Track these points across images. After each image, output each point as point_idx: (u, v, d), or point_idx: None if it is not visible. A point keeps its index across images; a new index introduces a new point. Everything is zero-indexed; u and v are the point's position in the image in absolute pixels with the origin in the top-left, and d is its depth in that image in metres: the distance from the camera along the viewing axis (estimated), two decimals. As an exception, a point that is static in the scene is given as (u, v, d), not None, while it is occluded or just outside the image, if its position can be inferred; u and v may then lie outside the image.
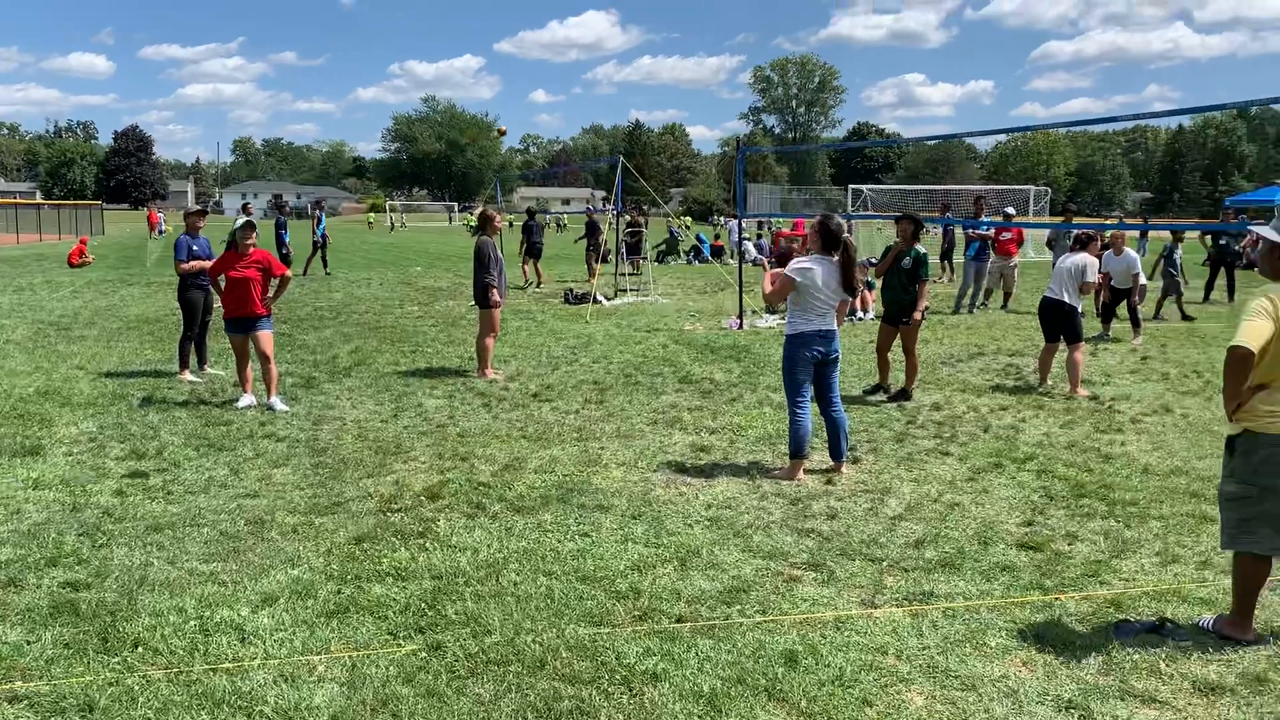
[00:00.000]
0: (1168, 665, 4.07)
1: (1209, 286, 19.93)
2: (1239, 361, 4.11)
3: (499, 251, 10.72)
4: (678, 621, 4.46)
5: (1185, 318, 16.13)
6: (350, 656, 4.11)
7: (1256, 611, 4.39)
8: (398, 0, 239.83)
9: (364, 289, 21.02)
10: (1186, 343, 13.65)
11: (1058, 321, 10.02)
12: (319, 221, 24.61)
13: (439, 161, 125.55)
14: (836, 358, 6.99)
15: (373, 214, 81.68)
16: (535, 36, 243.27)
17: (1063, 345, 10.04)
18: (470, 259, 10.94)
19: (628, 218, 23.60)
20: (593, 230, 23.30)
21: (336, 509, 6.07)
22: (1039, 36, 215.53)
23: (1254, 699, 3.81)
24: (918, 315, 9.50)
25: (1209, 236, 21.12)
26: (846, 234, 7.06)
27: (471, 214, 76.27)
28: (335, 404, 9.15)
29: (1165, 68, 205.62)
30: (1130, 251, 14.10)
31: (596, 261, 19.97)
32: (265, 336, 8.97)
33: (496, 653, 4.13)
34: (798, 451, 6.83)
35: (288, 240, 22.55)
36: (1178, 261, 16.68)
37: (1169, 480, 6.80)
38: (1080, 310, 10.05)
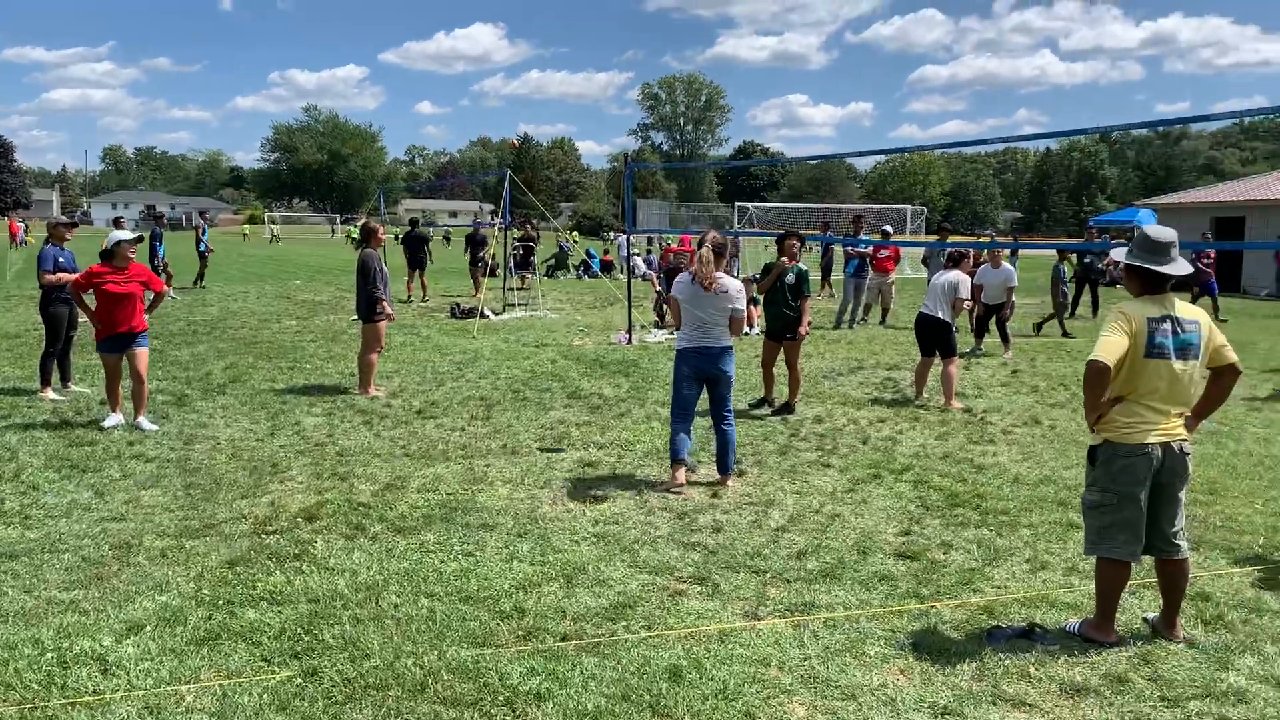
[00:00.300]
0: (1037, 669, 4.21)
1: (1074, 302, 20.81)
2: (1096, 375, 4.30)
3: (384, 265, 10.51)
4: (562, 640, 4.42)
5: (1065, 334, 16.83)
6: (221, 685, 3.95)
7: (1118, 615, 4.59)
8: (279, 7, 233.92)
9: (240, 303, 20.37)
10: (1055, 356, 14.25)
11: (933, 336, 10.34)
12: (202, 232, 23.79)
13: (320, 172, 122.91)
14: (721, 375, 7.07)
15: (248, 226, 79.06)
16: (421, 48, 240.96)
17: (938, 359, 10.36)
18: (353, 272, 10.70)
19: (520, 232, 23.48)
20: (477, 244, 23.10)
21: (208, 531, 5.84)
22: (916, 60, 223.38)
23: (1115, 699, 3.97)
24: (804, 330, 9.68)
25: (1074, 255, 22.11)
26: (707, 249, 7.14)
27: (354, 226, 74.80)
28: (208, 422, 8.83)
29: (1034, 93, 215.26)
30: (1007, 265, 14.51)
31: (483, 275, 19.79)
32: (143, 354, 8.61)
33: (375, 677, 4.03)
34: (673, 458, 7.04)
35: (162, 254, 21.68)
36: (1065, 278, 17.40)
37: (1038, 489, 7.07)
38: (954, 326, 10.38)
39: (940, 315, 10.27)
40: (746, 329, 16.25)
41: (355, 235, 66.98)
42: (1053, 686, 4.07)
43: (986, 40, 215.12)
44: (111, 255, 8.52)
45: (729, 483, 7.03)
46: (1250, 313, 20.64)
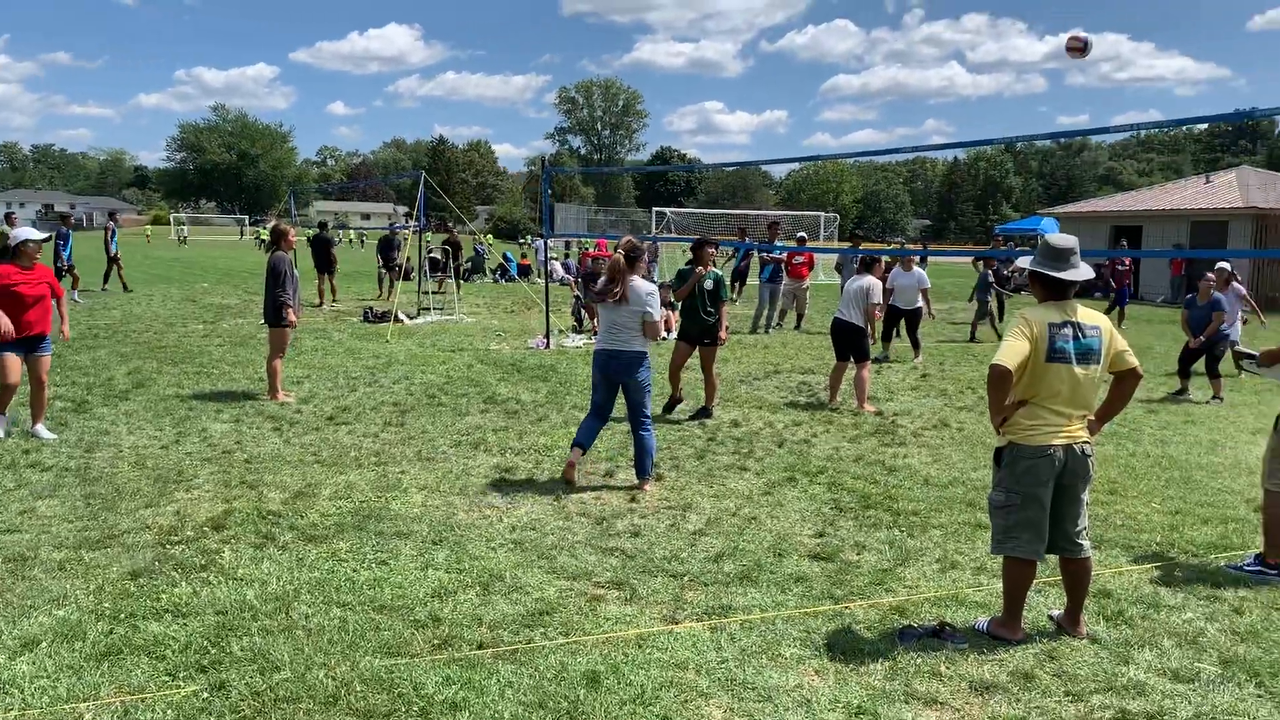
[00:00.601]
0: (947, 667, 4.31)
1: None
2: (998, 378, 4.42)
3: (294, 268, 10.29)
4: (479, 648, 4.38)
5: (972, 339, 17.27)
6: (123, 701, 3.82)
7: (1025, 612, 4.71)
8: (185, 3, 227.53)
9: (144, 306, 19.75)
10: (962, 361, 14.61)
11: (847, 341, 10.52)
12: (112, 234, 22.98)
13: (229, 173, 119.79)
14: (631, 382, 7.09)
15: (150, 227, 76.47)
16: (334, 47, 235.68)
17: (851, 364, 10.54)
18: (262, 275, 10.45)
19: (443, 235, 23.24)
20: (391, 247, 22.79)
21: (110, 542, 5.64)
22: (829, 70, 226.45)
23: (1023, 695, 4.08)
24: (724, 336, 9.76)
25: (980, 262, 22.70)
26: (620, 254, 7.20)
27: (263, 228, 73.09)
28: (110, 429, 8.53)
29: (942, 103, 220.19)
30: (918, 269, 14.69)
31: (397, 279, 19.51)
32: (47, 360, 8.24)
33: (285, 689, 3.93)
34: (573, 442, 7.30)
35: (68, 255, 20.89)
36: (990, 285, 17.76)
37: (947, 490, 7.23)
38: (868, 331, 10.57)
39: (854, 321, 10.45)
40: (665, 334, 16.33)
41: (264, 237, 65.62)
42: (963, 684, 4.16)
43: (896, 51, 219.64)
44: (16, 255, 8.07)
45: (646, 487, 7.04)
46: (1147, 318, 21.45)
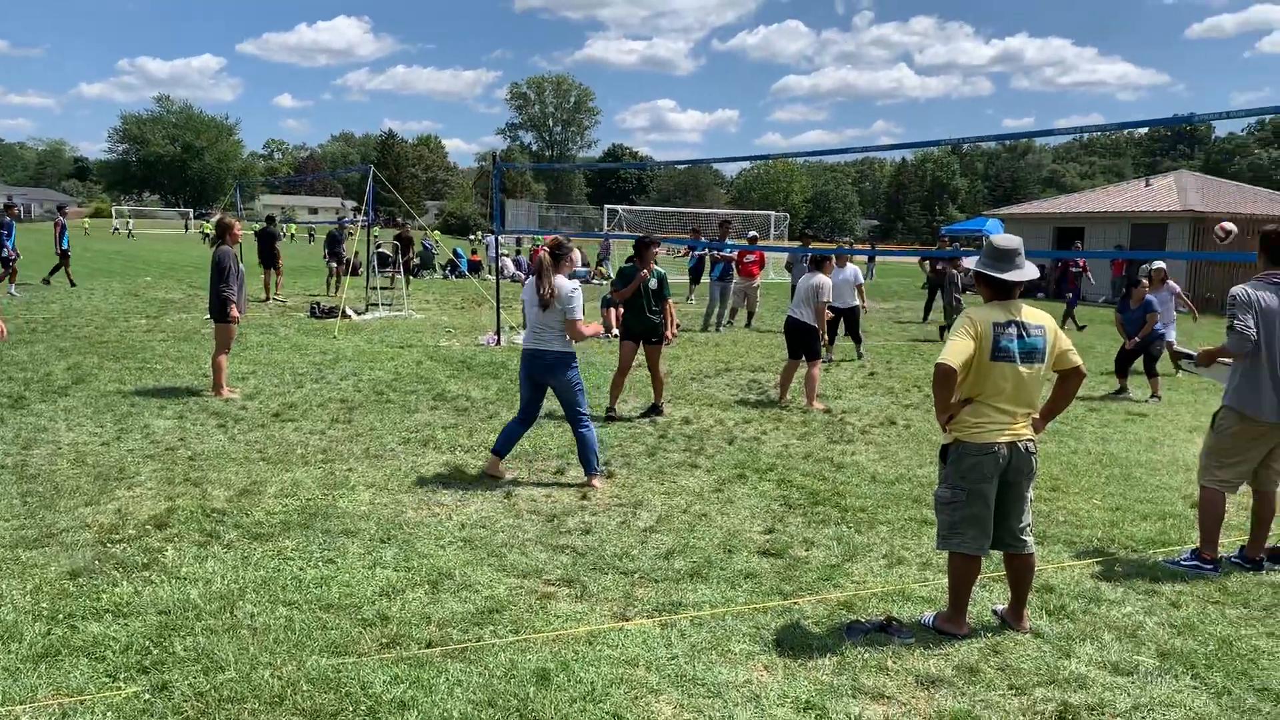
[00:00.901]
0: (894, 662, 4.36)
1: (927, 308, 21.67)
2: (943, 377, 4.48)
3: (239, 263, 10.13)
4: (427, 646, 4.34)
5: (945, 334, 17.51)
6: (61, 704, 3.74)
7: (969, 607, 4.78)
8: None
9: (84, 300, 19.32)
10: (909, 359, 14.78)
11: (799, 339, 10.59)
12: (62, 230, 22.44)
13: (173, 165, 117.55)
14: (554, 382, 7.06)
15: (88, 220, 74.57)
16: (281, 39, 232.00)
17: (803, 362, 10.61)
18: (206, 269, 10.27)
19: (393, 230, 23.01)
20: (335, 241, 22.53)
21: (48, 541, 5.51)
22: (780, 70, 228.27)
23: (968, 688, 4.14)
24: (671, 334, 9.77)
25: (927, 262, 22.99)
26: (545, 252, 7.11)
27: (208, 222, 71.81)
28: (49, 426, 8.34)
29: (890, 105, 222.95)
30: (851, 266, 14.27)
31: (345, 274, 19.30)
32: None
33: (230, 689, 3.87)
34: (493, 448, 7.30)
35: (11, 245, 20.37)
36: (959, 284, 17.81)
37: (894, 487, 7.31)
38: (820, 330, 10.63)
39: (806, 319, 10.52)
40: (611, 333, 16.33)
41: (209, 231, 64.51)
42: (909, 679, 4.21)
43: (846, 53, 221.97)
44: None
45: (595, 483, 7.04)
46: (1089, 318, 21.84)
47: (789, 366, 10.78)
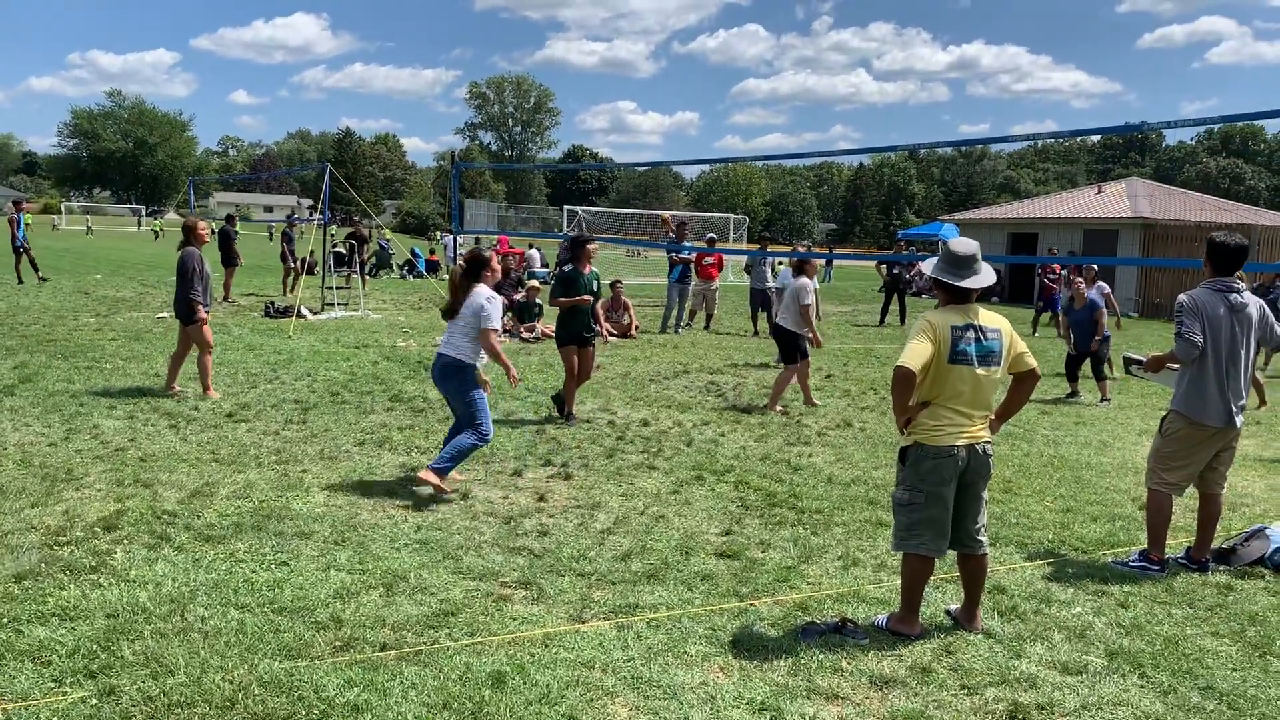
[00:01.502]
0: (848, 663, 4.39)
1: (884, 311, 21.89)
2: (902, 380, 4.52)
3: (205, 264, 9.95)
4: (382, 649, 4.31)
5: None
6: (5, 709, 3.65)
7: (922, 608, 4.83)
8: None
9: (31, 298, 18.92)
10: (865, 362, 14.90)
11: (784, 343, 10.61)
12: (18, 224, 21.97)
13: (125, 161, 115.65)
14: (447, 388, 6.89)
15: (28, 216, 72.85)
16: (238, 35, 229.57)
17: (781, 363, 10.54)
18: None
19: (349, 229, 22.78)
20: (286, 240, 22.28)
21: (-9, 544, 5.40)
22: (739, 74, 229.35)
23: (921, 689, 4.18)
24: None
25: (883, 266, 23.22)
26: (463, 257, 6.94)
27: (159, 219, 70.68)
28: (-7, 426, 8.16)
29: (848, 110, 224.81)
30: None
31: (301, 274, 19.08)
32: None
33: (180, 694, 3.81)
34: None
35: None
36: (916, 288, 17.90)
37: (850, 489, 7.37)
38: (806, 333, 10.58)
39: (787, 325, 10.50)
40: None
41: (159, 228, 63.45)
42: (863, 679, 4.25)
43: (806, 57, 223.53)
44: None
45: (424, 476, 6.57)
46: (1044, 322, 22.12)
47: (800, 372, 10.68)
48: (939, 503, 4.65)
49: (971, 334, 4.62)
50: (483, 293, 6.81)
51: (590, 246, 9.76)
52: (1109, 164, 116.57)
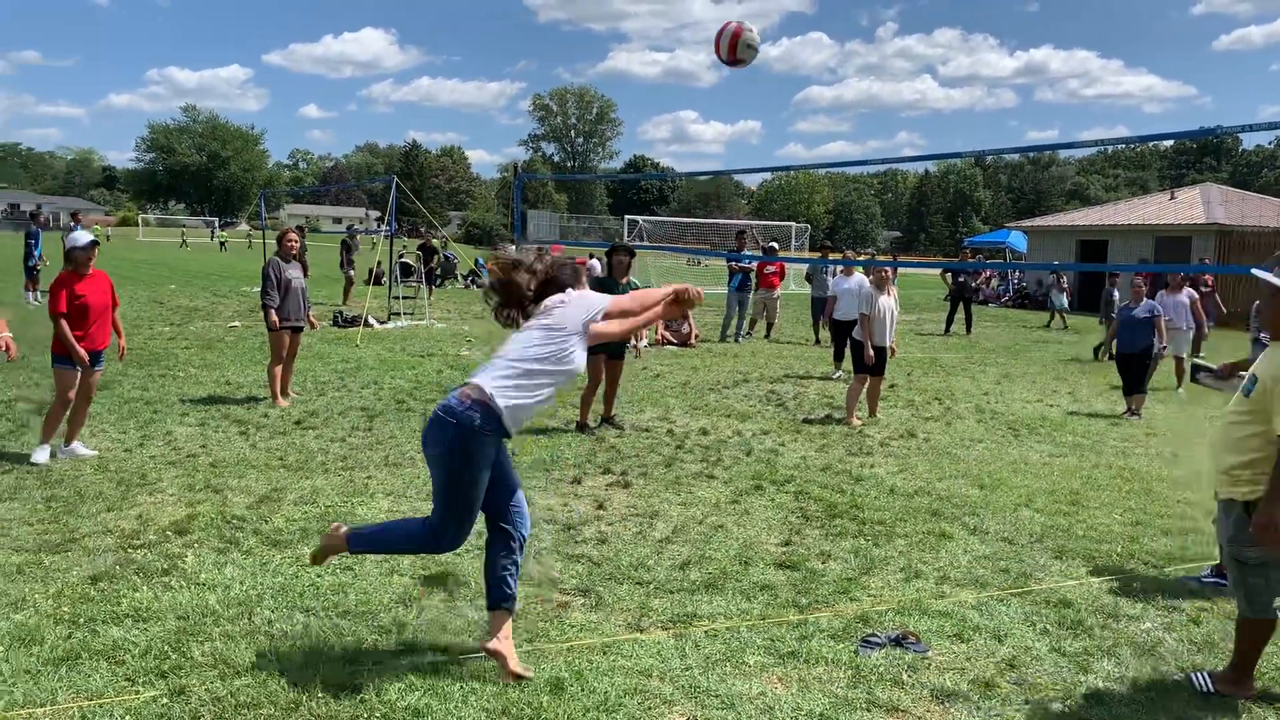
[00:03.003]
0: (909, 676, 4.34)
1: (949, 320, 21.60)
2: None
3: (283, 271, 10.14)
4: (443, 654, 4.36)
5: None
6: (80, 707, 3.77)
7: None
8: (158, 4, 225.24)
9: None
10: (930, 372, 14.72)
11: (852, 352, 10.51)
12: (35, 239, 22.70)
13: (198, 174, 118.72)
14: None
15: (99, 226, 74.72)
16: (308, 50, 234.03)
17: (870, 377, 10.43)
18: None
19: (420, 240, 23.15)
20: (346, 250, 22.68)
21: (70, 546, 5.57)
22: (802, 81, 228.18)
23: (983, 703, 4.12)
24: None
25: (949, 274, 22.91)
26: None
27: (225, 231, 72.36)
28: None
29: (914, 116, 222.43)
30: (859, 275, 12.92)
31: (364, 282, 19.41)
32: (99, 376, 7.96)
33: (247, 695, 3.90)
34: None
35: (39, 254, 20.68)
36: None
37: (913, 500, 7.28)
38: (892, 349, 10.49)
39: (854, 334, 10.47)
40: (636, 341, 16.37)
41: (225, 239, 65.01)
42: (924, 692, 4.19)
43: (870, 64, 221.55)
44: (76, 261, 7.60)
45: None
46: (1111, 332, 21.71)
47: (859, 381, 10.48)
48: None
49: None
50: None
51: (621, 257, 9.63)
52: (1183, 169, 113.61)
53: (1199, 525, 6.86)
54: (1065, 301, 25.23)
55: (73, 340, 7.45)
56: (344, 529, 4.47)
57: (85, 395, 7.74)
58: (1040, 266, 19.07)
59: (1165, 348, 11.79)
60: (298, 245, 10.62)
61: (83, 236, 7.72)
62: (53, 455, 7.49)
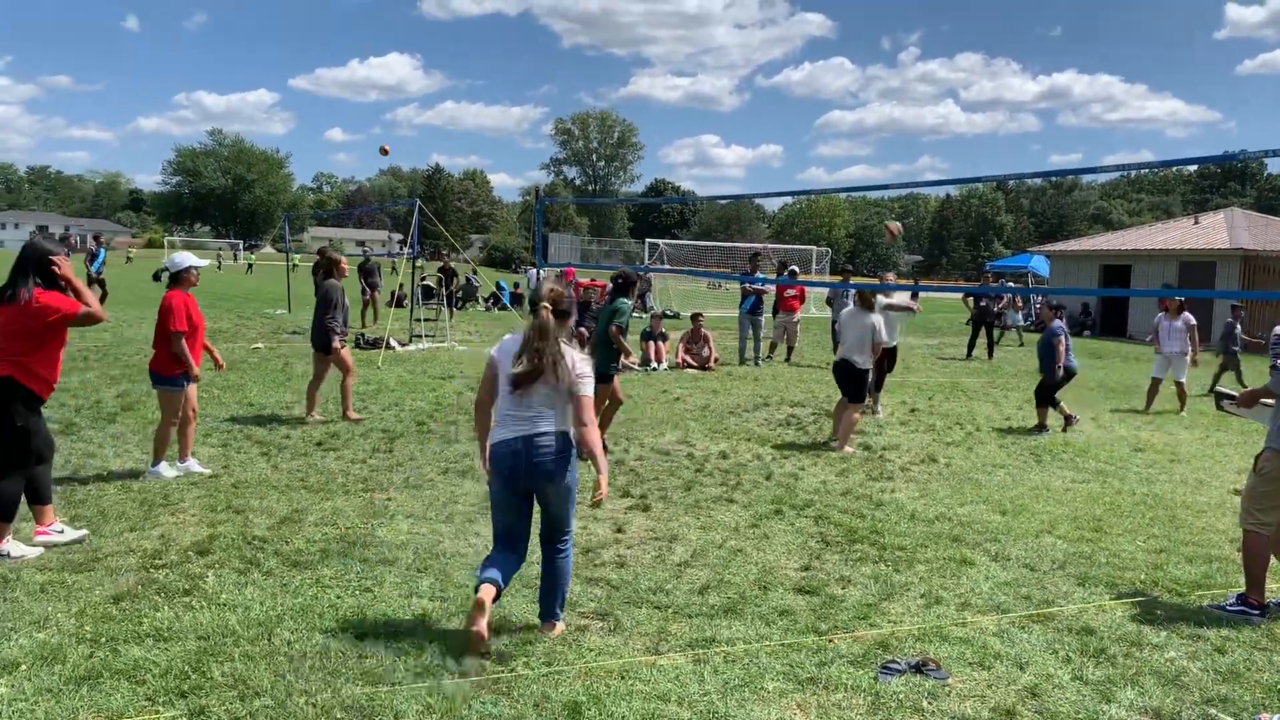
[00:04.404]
0: (929, 703, 4.30)
1: (970, 344, 21.49)
2: None
3: (345, 295, 10.72)
4: (461, 676, 4.36)
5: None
6: (100, 727, 3.80)
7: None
8: (187, 29, 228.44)
9: (135, 329, 19.70)
10: (951, 396, 14.65)
11: (848, 380, 10.22)
12: (94, 258, 23.01)
13: (224, 197, 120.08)
14: (554, 489, 5.01)
15: (132, 250, 75.79)
16: (333, 74, 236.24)
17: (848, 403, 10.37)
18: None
19: (439, 263, 23.36)
20: (367, 273, 22.84)
21: (93, 565, 5.62)
22: (824, 106, 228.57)
23: (1003, 731, 4.08)
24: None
25: (971, 298, 22.82)
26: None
27: (252, 254, 73.04)
28: (97, 452, 8.51)
29: (935, 141, 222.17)
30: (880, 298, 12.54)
31: (387, 304, 19.54)
32: (195, 390, 8.22)
33: (265, 715, 3.91)
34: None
35: (96, 269, 21.03)
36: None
37: (933, 526, 7.24)
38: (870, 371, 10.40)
39: (856, 362, 10.22)
40: (651, 365, 16.39)
41: (253, 261, 65.60)
42: (944, 719, 4.16)
43: (892, 89, 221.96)
44: (183, 282, 8.07)
45: (557, 630, 4.95)
46: (1136, 356, 21.55)
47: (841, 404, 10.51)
48: None
49: None
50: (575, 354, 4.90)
51: (632, 285, 9.99)
52: (1207, 194, 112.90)
53: (1224, 553, 6.79)
54: (1020, 318, 27.09)
55: (190, 357, 7.86)
56: (559, 625, 4.93)
57: (192, 409, 8.06)
58: (1062, 291, 18.98)
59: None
60: (348, 271, 11.03)
61: (189, 258, 8.20)
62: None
